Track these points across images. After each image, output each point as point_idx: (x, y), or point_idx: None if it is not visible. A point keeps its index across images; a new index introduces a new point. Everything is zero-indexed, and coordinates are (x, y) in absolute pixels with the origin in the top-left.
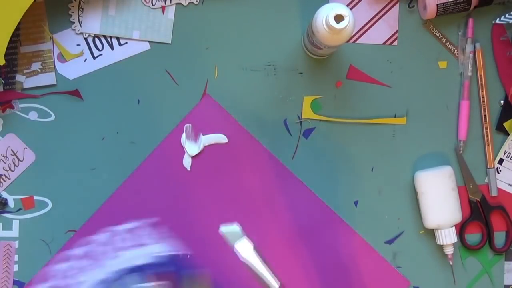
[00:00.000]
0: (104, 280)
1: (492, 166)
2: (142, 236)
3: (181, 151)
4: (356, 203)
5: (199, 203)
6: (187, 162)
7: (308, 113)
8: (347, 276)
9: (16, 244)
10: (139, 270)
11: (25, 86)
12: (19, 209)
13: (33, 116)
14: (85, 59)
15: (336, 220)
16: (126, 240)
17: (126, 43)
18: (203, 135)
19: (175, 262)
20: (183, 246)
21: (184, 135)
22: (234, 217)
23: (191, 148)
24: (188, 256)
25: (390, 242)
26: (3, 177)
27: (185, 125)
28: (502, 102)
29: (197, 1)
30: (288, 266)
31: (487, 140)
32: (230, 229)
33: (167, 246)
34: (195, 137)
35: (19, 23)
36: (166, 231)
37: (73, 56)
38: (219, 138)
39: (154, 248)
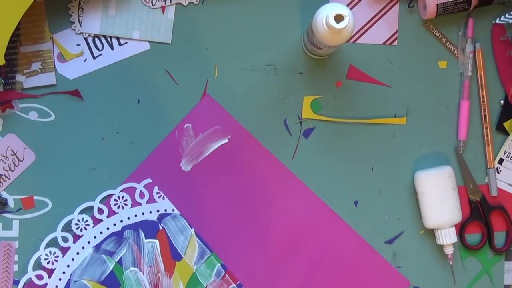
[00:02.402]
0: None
1: (492, 166)
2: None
3: (181, 151)
4: (356, 203)
5: (199, 203)
6: None
7: (308, 113)
8: (347, 276)
9: (16, 244)
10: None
11: (25, 86)
12: (19, 209)
13: (33, 116)
14: (85, 59)
15: (336, 220)
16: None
17: (126, 43)
18: (202, 133)
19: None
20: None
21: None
22: (234, 217)
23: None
24: None
25: (390, 242)
26: (3, 177)
27: (185, 125)
28: (502, 102)
29: (197, 1)
30: (287, 266)
31: (487, 140)
32: None
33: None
34: (194, 138)
35: (19, 23)
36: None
37: (73, 56)
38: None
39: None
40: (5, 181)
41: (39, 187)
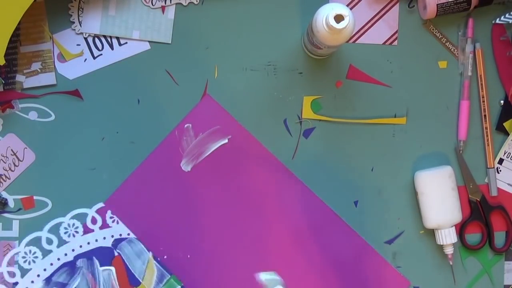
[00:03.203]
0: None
1: (492, 166)
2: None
3: (181, 151)
4: (356, 203)
5: (199, 203)
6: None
7: (308, 113)
8: (347, 276)
9: (16, 244)
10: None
11: (25, 86)
12: (19, 209)
13: (33, 116)
14: (85, 59)
15: (336, 221)
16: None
17: (126, 43)
18: (202, 134)
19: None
20: (179, 245)
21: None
22: (234, 217)
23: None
24: (188, 256)
25: (390, 242)
26: (3, 177)
27: (185, 125)
28: (502, 102)
29: (197, 1)
30: (288, 265)
31: (487, 140)
32: (269, 277)
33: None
34: (194, 138)
35: (19, 23)
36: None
37: (73, 56)
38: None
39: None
40: (5, 181)
41: (39, 187)
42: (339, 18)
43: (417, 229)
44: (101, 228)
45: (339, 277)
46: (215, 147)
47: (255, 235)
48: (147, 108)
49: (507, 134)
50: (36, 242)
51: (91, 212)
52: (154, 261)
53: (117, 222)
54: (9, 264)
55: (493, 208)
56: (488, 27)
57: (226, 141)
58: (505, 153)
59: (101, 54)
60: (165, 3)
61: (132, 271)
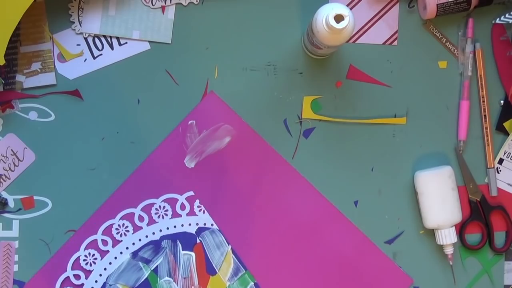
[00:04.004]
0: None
1: (492, 166)
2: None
3: (184, 148)
4: (356, 203)
5: (202, 201)
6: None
7: (308, 113)
8: (350, 273)
9: (16, 244)
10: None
11: (25, 86)
12: (19, 209)
13: (33, 116)
14: (85, 59)
15: (339, 217)
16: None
17: (126, 43)
18: (206, 130)
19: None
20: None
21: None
22: (237, 214)
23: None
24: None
25: (390, 242)
26: (3, 177)
27: (189, 122)
28: (502, 102)
29: (197, 1)
30: (290, 262)
31: (487, 140)
32: None
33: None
34: (198, 134)
35: (19, 23)
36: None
37: (73, 56)
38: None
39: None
40: (5, 181)
41: (39, 187)
42: (339, 18)
43: (417, 229)
44: (188, 214)
45: (341, 274)
46: (219, 143)
47: (258, 231)
48: (147, 108)
49: (507, 134)
50: (130, 217)
51: (181, 198)
52: (232, 255)
53: (203, 212)
54: (104, 233)
55: (493, 208)
56: (488, 27)
57: (230, 137)
58: (505, 153)
59: (101, 54)
60: (165, 3)
61: (211, 260)
